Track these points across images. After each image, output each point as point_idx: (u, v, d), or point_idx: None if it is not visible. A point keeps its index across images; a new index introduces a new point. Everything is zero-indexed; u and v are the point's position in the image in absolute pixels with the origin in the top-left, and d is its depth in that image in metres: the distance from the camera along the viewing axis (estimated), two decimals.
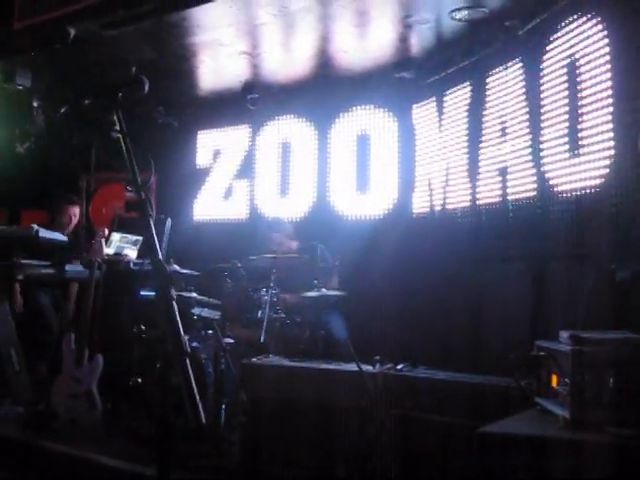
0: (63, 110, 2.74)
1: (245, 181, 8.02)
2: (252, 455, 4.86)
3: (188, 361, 2.04)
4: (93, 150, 8.68)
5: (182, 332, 2.08)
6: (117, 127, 2.38)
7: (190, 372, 2.02)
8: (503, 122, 5.68)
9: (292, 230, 6.75)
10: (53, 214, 7.33)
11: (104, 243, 6.60)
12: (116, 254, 7.04)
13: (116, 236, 7.28)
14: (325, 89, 7.21)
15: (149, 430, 5.68)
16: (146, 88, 2.49)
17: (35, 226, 6.59)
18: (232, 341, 5.81)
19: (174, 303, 2.13)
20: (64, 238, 6.84)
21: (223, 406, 5.36)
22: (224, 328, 5.82)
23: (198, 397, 1.99)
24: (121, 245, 7.21)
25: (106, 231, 6.61)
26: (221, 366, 5.45)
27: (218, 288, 6.24)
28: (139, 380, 5.84)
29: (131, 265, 6.89)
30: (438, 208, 6.45)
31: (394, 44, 6.20)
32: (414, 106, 6.90)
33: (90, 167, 8.77)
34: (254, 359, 5.14)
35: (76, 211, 7.30)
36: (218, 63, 6.79)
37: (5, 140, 8.30)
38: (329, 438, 4.60)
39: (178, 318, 2.09)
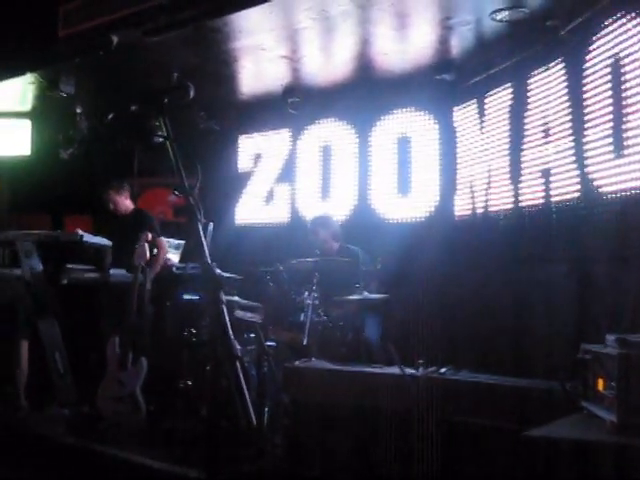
0: (110, 116, 2.76)
1: (286, 185, 8.04)
2: (295, 458, 4.87)
3: (238, 364, 2.06)
4: (136, 155, 8.79)
5: (232, 335, 2.10)
6: (163, 132, 2.40)
7: (241, 375, 2.03)
8: (545, 123, 5.62)
9: (339, 231, 6.72)
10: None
11: (147, 247, 6.66)
12: None
13: None
14: (365, 92, 7.21)
15: (192, 432, 5.73)
16: (191, 94, 2.52)
17: (79, 231, 6.68)
18: (274, 344, 5.84)
19: (224, 307, 2.15)
20: (108, 242, 6.92)
21: (266, 409, 5.38)
22: (266, 331, 5.85)
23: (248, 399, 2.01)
24: None
25: (149, 235, 6.67)
26: (263, 369, 5.48)
27: (260, 291, 6.27)
28: (189, 383, 5.87)
29: (174, 269, 6.94)
30: (480, 210, 6.40)
31: (434, 46, 6.17)
32: (455, 108, 6.86)
33: (133, 172, 8.87)
34: (296, 362, 5.15)
35: (112, 197, 7.34)
36: (259, 67, 6.82)
37: (49, 146, 8.43)
38: (371, 442, 4.58)
39: (228, 321, 2.11)
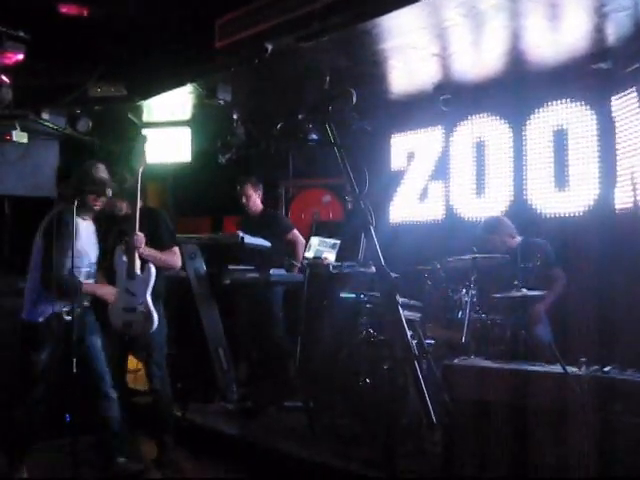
0: (279, 126, 2.84)
1: (440, 182, 8.01)
2: (454, 457, 4.85)
3: (417, 363, 2.11)
4: (290, 158, 9.00)
5: (409, 335, 2.15)
6: (329, 139, 2.47)
7: (420, 374, 2.08)
8: None
9: (512, 227, 6.63)
10: None
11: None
12: (316, 257, 7.27)
13: (315, 240, 7.52)
14: (518, 85, 7.08)
15: (352, 429, 5.84)
16: (354, 100, 2.59)
17: (240, 232, 6.93)
18: (433, 342, 5.85)
19: (400, 308, 2.20)
20: (267, 244, 7.14)
21: None
22: (425, 329, 5.87)
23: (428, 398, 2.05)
24: (320, 249, 7.43)
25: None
26: (423, 367, 5.49)
27: (418, 290, 6.29)
28: (368, 381, 5.92)
29: (330, 268, 7.06)
30: None
31: (589, 35, 5.98)
32: (613, 97, 6.63)
33: (288, 175, 9.10)
34: (455, 360, 5.13)
35: (248, 191, 7.63)
36: (409, 66, 6.83)
37: (208, 152, 8.77)
38: (529, 441, 4.51)
39: (405, 322, 2.16)
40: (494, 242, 6.48)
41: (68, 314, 5.09)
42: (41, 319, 5.13)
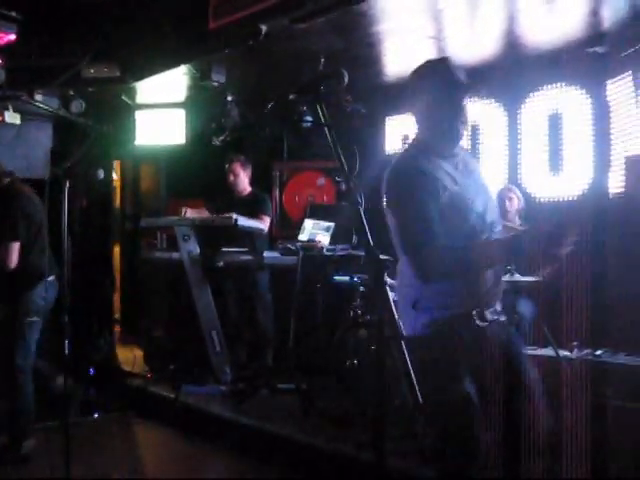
0: (270, 106, 2.81)
1: None
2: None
3: (404, 344, 2.12)
4: (285, 140, 8.98)
5: (397, 316, 2.17)
6: (320, 119, 2.47)
7: (406, 354, 2.10)
8: None
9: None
10: None
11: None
12: (309, 240, 7.27)
13: (309, 223, 7.51)
14: (513, 69, 7.04)
15: (342, 411, 5.87)
16: (346, 80, 2.59)
17: (234, 215, 6.92)
18: None
19: (387, 288, 2.21)
20: (263, 227, 7.15)
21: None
22: None
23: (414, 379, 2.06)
24: (314, 231, 7.43)
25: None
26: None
27: None
28: (355, 362, 5.95)
29: (324, 251, 7.07)
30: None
31: (585, 18, 5.94)
32: (608, 82, 6.61)
33: (282, 157, 9.09)
34: None
35: (236, 169, 7.80)
36: (404, 49, 6.79)
37: (202, 134, 8.74)
38: (521, 424, 4.53)
39: (392, 302, 2.18)
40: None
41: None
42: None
